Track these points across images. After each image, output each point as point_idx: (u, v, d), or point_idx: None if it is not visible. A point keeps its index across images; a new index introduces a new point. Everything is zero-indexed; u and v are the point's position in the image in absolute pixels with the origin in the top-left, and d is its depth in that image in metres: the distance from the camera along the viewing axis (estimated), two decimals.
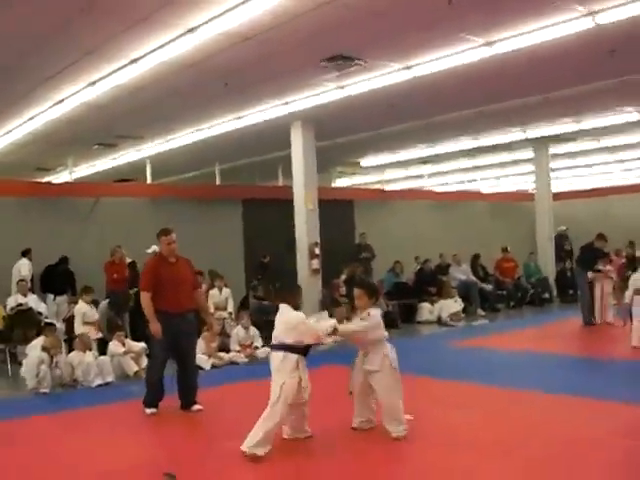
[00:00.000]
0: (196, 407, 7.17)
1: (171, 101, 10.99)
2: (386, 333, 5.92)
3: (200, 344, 9.90)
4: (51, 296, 12.32)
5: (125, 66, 8.94)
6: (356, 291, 6.04)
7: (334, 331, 5.66)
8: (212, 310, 11.38)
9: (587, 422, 6.08)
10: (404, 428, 5.69)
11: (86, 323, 9.95)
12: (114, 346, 9.23)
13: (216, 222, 15.29)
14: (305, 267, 13.33)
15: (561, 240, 14.33)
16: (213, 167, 17.60)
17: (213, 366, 9.68)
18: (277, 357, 5.59)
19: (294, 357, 5.50)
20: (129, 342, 9.40)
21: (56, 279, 12.42)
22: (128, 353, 9.13)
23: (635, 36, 8.56)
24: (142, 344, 9.41)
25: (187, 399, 7.22)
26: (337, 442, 5.78)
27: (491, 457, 5.20)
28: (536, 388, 7.37)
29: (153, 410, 7.12)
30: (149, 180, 16.64)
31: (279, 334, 5.64)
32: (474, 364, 9.30)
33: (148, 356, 9.41)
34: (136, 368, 9.05)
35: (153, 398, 7.18)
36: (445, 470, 4.96)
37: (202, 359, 9.68)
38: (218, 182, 17.71)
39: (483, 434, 5.77)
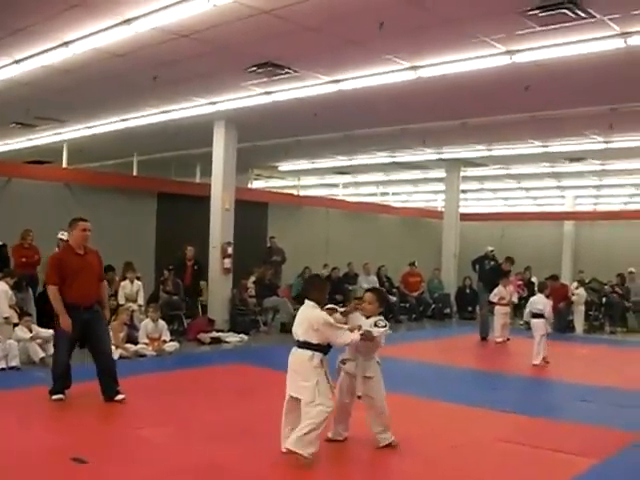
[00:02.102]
0: (120, 397, 7.04)
1: (98, 88, 10.90)
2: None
3: None
4: None
5: (55, 48, 8.82)
6: (368, 295, 5.89)
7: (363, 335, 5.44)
8: (122, 301, 11.39)
9: (474, 428, 6.56)
10: (390, 437, 5.69)
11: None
12: (21, 331, 9.11)
13: (130, 214, 15.14)
14: (217, 266, 13.45)
15: (483, 260, 14.89)
16: (131, 157, 17.43)
17: (120, 357, 9.68)
18: (303, 356, 5.30)
19: (320, 355, 5.29)
20: (36, 328, 9.28)
21: None
22: (35, 339, 9.01)
23: (547, 76, 9.22)
24: (49, 331, 9.31)
25: (110, 389, 7.08)
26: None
27: (391, 455, 5.61)
28: (433, 396, 7.81)
29: (60, 396, 7.03)
30: (65, 164, 16.32)
31: (303, 332, 5.34)
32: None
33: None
34: (42, 354, 8.94)
35: (59, 386, 7.08)
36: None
37: None
38: (135, 173, 17.56)
39: None
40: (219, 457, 5.37)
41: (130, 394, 7.36)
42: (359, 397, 5.70)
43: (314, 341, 5.26)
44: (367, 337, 5.44)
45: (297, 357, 5.34)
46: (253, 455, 5.44)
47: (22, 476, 4.85)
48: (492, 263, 14.82)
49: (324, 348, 5.30)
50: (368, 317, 5.72)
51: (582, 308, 15.63)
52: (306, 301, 5.50)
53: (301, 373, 5.28)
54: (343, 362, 5.74)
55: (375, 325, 5.59)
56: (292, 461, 5.10)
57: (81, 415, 6.69)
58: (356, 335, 5.36)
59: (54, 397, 7.03)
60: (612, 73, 9.03)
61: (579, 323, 15.50)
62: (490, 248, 15.27)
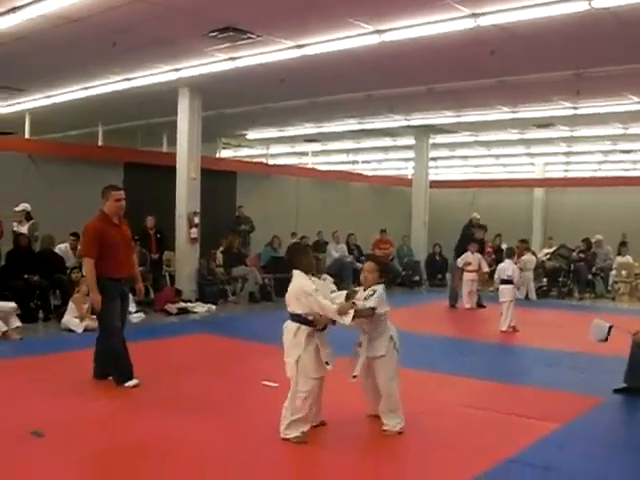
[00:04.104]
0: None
1: (55, 55, 10.57)
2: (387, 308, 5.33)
3: (71, 307, 9.79)
4: None
5: (3, 14, 8.48)
6: (367, 264, 5.54)
7: (355, 312, 4.96)
8: None
9: (438, 394, 6.60)
10: (400, 422, 5.31)
11: None
12: None
13: (96, 184, 14.78)
14: (184, 236, 13.31)
15: (470, 227, 14.80)
16: (96, 127, 17.11)
17: (85, 329, 9.55)
18: (290, 329, 5.03)
19: (308, 329, 4.96)
20: None
21: None
22: None
23: (513, 40, 9.10)
24: (12, 304, 9.20)
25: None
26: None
27: (352, 423, 5.55)
28: (400, 364, 7.78)
29: (135, 382, 6.50)
30: (27, 135, 15.98)
31: (289, 303, 5.08)
32: (347, 338, 9.66)
33: (19, 317, 9.22)
34: (5, 328, 8.81)
35: (127, 369, 6.56)
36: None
37: (74, 322, 9.59)
38: (100, 143, 17.26)
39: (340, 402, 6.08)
40: (181, 430, 5.30)
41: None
42: (354, 377, 5.28)
43: (300, 311, 4.97)
44: (363, 315, 5.08)
45: (285, 330, 5.07)
46: (215, 428, 5.39)
47: None
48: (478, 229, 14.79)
49: (310, 321, 4.97)
50: (365, 289, 5.32)
51: (529, 274, 15.10)
52: (294, 271, 5.15)
53: (286, 348, 5.04)
54: (359, 344, 5.37)
55: (366, 300, 5.18)
56: (252, 433, 5.05)
57: (42, 387, 6.56)
58: (345, 319, 4.92)
59: (131, 383, 6.49)
60: (578, 36, 8.93)
61: (531, 290, 15.25)
62: (477, 215, 15.22)
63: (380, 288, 5.28)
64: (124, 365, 6.56)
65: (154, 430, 5.29)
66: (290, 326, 5.03)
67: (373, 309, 5.13)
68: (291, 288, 5.08)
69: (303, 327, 4.95)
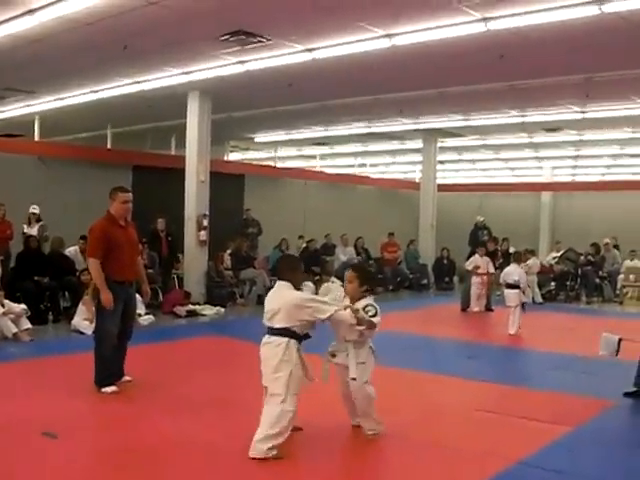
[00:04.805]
0: (126, 378, 6.67)
1: (68, 58, 10.62)
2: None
3: (81, 309, 9.83)
4: None
5: (20, 16, 8.52)
6: (349, 274, 5.26)
7: (356, 316, 4.83)
8: None
9: (447, 397, 6.60)
10: (379, 425, 5.27)
11: None
12: None
13: (105, 187, 14.83)
14: (192, 238, 13.36)
15: (477, 231, 14.82)
16: (105, 130, 17.18)
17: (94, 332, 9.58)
18: (278, 344, 4.77)
19: (296, 344, 4.81)
20: (9, 303, 9.16)
21: None
22: (7, 314, 8.91)
23: (522, 45, 9.11)
24: (22, 306, 9.26)
25: (121, 370, 6.67)
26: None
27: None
28: (407, 366, 7.81)
29: (113, 388, 6.40)
30: (37, 137, 16.06)
31: (278, 317, 4.80)
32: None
33: (29, 318, 9.25)
34: (15, 330, 8.86)
35: (109, 374, 6.48)
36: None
37: (83, 324, 9.63)
38: (109, 146, 17.33)
39: None
40: (191, 430, 5.33)
41: None
42: (354, 379, 5.03)
43: (290, 326, 4.76)
44: (365, 324, 4.89)
45: (270, 346, 4.82)
46: (226, 428, 5.41)
47: None
48: (485, 232, 14.89)
49: (299, 335, 4.82)
50: (352, 300, 5.06)
51: (533, 278, 14.90)
52: (278, 282, 5.01)
53: (272, 365, 4.78)
54: (333, 355, 5.18)
55: (365, 312, 4.94)
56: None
57: (53, 389, 6.58)
58: (347, 314, 4.80)
59: (108, 390, 6.38)
60: (587, 41, 8.93)
61: (536, 293, 15.13)
62: (480, 218, 15.19)
63: (376, 306, 5.07)
64: (107, 369, 6.49)
65: (162, 432, 5.30)
66: (277, 341, 4.78)
67: (374, 325, 4.99)
68: (282, 302, 4.83)
69: (293, 341, 4.78)
